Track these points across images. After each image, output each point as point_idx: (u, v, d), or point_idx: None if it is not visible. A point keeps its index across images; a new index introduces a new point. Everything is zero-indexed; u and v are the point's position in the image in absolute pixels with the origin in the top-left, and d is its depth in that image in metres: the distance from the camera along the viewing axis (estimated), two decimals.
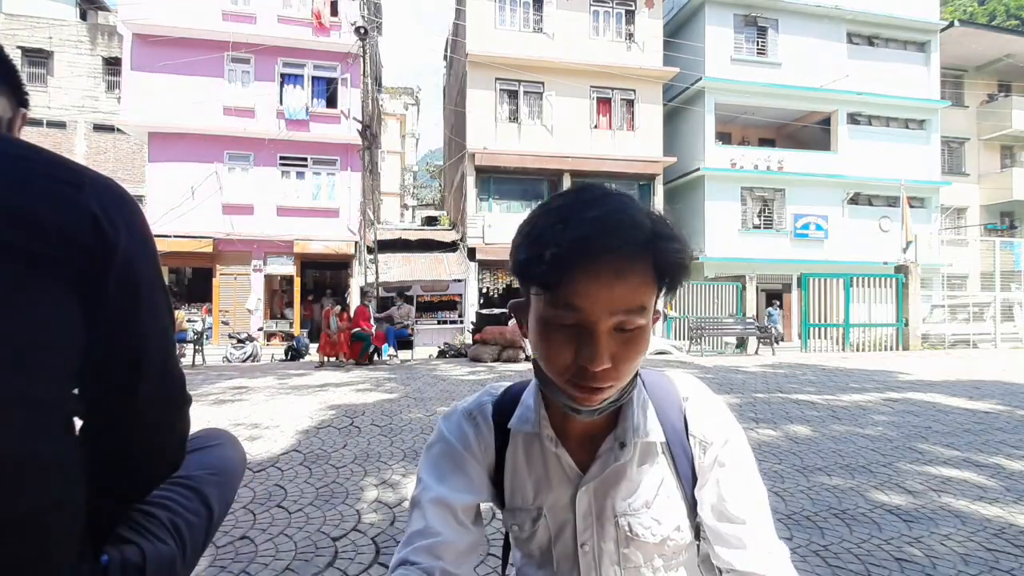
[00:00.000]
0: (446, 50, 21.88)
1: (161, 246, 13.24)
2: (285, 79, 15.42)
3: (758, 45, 17.91)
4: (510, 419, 0.72)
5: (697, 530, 0.72)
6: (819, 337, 11.64)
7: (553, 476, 0.70)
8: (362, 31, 13.69)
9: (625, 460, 0.68)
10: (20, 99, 0.77)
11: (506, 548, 0.85)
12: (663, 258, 0.56)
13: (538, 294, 0.57)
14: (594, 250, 0.53)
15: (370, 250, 14.56)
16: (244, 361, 10.76)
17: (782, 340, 13.69)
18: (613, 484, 0.68)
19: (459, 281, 16.15)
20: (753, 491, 0.65)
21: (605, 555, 0.69)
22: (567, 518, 0.70)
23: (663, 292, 0.60)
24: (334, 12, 15.45)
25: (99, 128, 18.06)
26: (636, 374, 0.66)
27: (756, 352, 11.23)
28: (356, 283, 15.27)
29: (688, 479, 0.69)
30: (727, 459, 0.66)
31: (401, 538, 0.65)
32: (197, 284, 15.74)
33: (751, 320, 11.96)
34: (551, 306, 0.56)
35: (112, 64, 17.81)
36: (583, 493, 0.69)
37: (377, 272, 14.23)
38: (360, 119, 14.28)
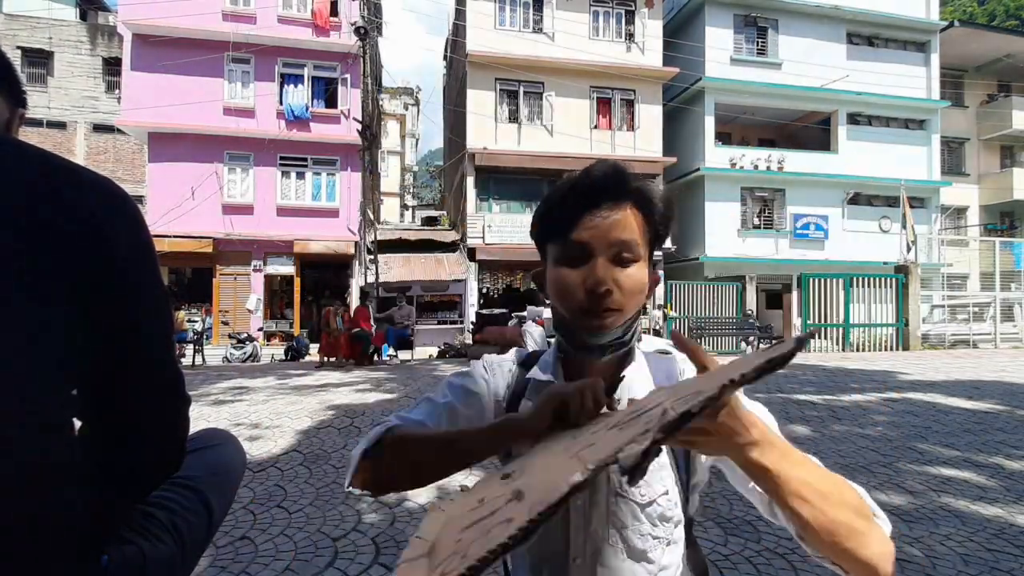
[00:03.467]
0: (446, 50, 21.87)
1: (161, 246, 13.29)
2: (285, 79, 15.42)
3: (758, 45, 17.91)
4: (529, 371, 0.81)
5: (689, 526, 0.74)
6: (819, 337, 11.63)
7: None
8: (362, 31, 13.69)
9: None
10: (18, 99, 0.77)
11: None
12: (646, 203, 0.70)
13: (552, 244, 0.73)
14: (591, 196, 0.69)
15: (370, 250, 14.56)
16: (244, 361, 10.76)
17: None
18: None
19: (459, 281, 16.14)
20: (768, 414, 0.66)
21: (595, 509, 0.71)
22: None
23: (653, 244, 0.73)
24: (334, 12, 15.45)
25: (99, 128, 18.05)
26: (638, 315, 0.74)
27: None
28: (356, 283, 15.27)
29: (681, 452, 0.73)
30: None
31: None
32: (197, 284, 15.73)
33: (751, 320, 11.96)
34: (561, 248, 0.71)
35: (112, 64, 17.81)
36: None
37: (377, 272, 14.23)
38: (360, 119, 14.28)
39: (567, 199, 0.70)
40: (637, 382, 0.74)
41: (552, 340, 0.84)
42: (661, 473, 0.71)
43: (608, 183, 0.69)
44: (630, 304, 0.69)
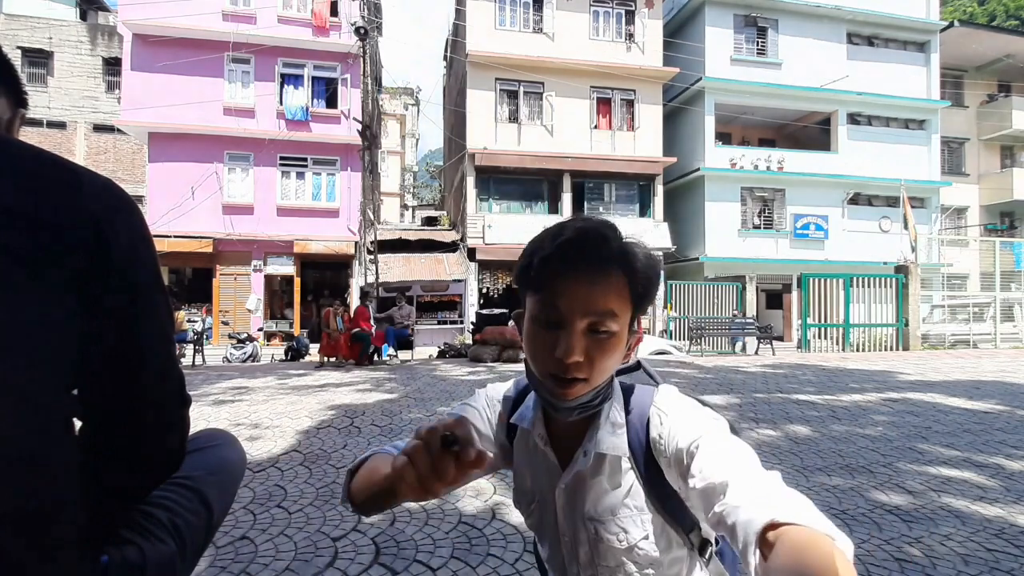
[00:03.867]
0: (446, 50, 21.87)
1: (161, 246, 13.28)
2: (285, 79, 15.42)
3: (758, 45, 17.91)
4: (514, 415, 0.82)
5: (703, 545, 0.75)
6: (819, 337, 11.63)
7: (540, 471, 0.79)
8: (362, 31, 13.69)
9: (584, 468, 0.73)
10: (19, 99, 0.77)
11: None
12: (630, 267, 0.67)
13: (530, 296, 0.69)
14: (570, 258, 0.66)
15: (370, 250, 14.56)
16: (244, 361, 10.75)
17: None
18: (580, 489, 0.75)
19: (459, 281, 16.14)
20: (735, 453, 0.60)
21: (580, 547, 0.76)
22: (551, 508, 0.79)
23: (636, 307, 0.69)
24: (334, 12, 15.45)
25: (99, 128, 18.05)
26: (611, 381, 0.74)
27: (756, 352, 11.23)
28: (356, 283, 15.27)
29: (663, 496, 0.71)
30: (699, 445, 0.64)
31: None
32: (197, 284, 15.74)
33: (751, 320, 11.96)
34: (538, 306, 0.68)
35: (112, 64, 17.82)
36: (560, 492, 0.76)
37: (377, 272, 14.23)
38: (360, 119, 14.28)
39: (547, 258, 0.66)
40: (606, 435, 0.73)
41: None
42: (641, 517, 0.72)
43: (590, 245, 0.66)
44: (599, 375, 0.67)
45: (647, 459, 0.72)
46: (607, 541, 0.72)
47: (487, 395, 0.86)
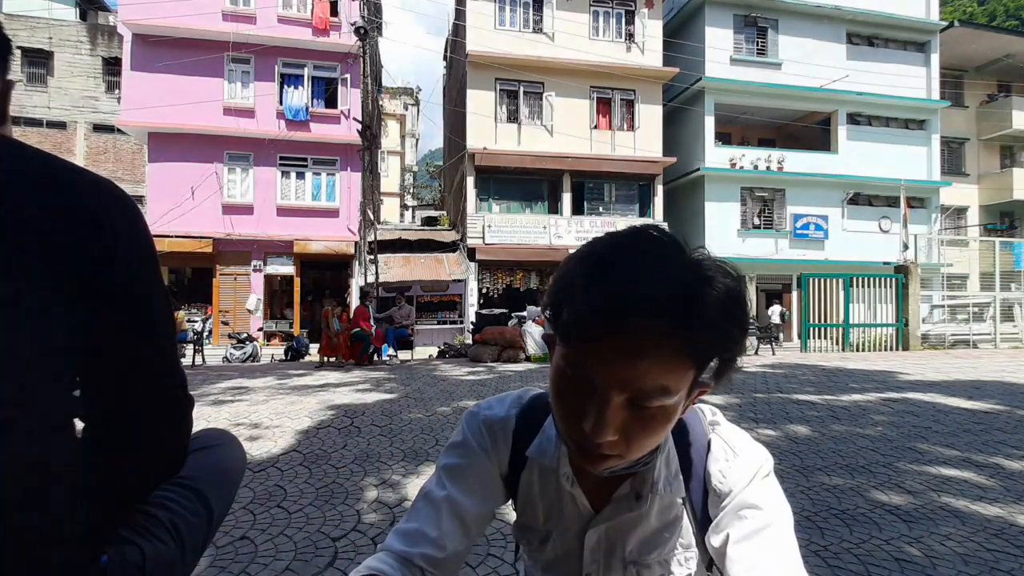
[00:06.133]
0: (446, 50, 21.87)
1: (161, 246, 13.28)
2: (285, 79, 15.42)
3: (758, 45, 17.92)
4: (531, 438, 0.68)
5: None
6: (819, 337, 11.63)
7: (566, 509, 0.68)
8: (362, 31, 13.69)
9: (641, 511, 0.64)
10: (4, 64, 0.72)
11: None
12: (697, 342, 0.48)
13: (560, 343, 0.54)
14: (613, 321, 0.46)
15: (370, 250, 14.56)
16: (244, 361, 10.76)
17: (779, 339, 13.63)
18: (625, 531, 0.66)
19: (459, 281, 16.14)
20: (772, 567, 0.53)
21: None
22: (574, 547, 0.68)
23: (701, 370, 0.52)
24: (334, 12, 15.45)
25: (99, 128, 18.04)
26: (656, 451, 0.61)
27: (756, 352, 11.23)
28: (356, 283, 15.27)
29: (706, 527, 0.64)
30: (741, 527, 0.56)
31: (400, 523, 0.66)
32: (197, 284, 15.74)
33: (751, 320, 11.95)
34: (568, 361, 0.52)
35: (112, 64, 17.80)
36: (593, 532, 0.66)
37: (377, 272, 14.23)
38: (360, 119, 14.28)
39: (580, 305, 0.48)
40: (660, 473, 0.64)
41: None
42: (686, 554, 0.66)
43: (640, 301, 0.46)
44: (637, 453, 0.54)
45: (704, 491, 0.63)
46: (643, 563, 0.66)
47: (484, 425, 0.70)
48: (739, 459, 0.62)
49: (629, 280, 0.47)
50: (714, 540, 0.59)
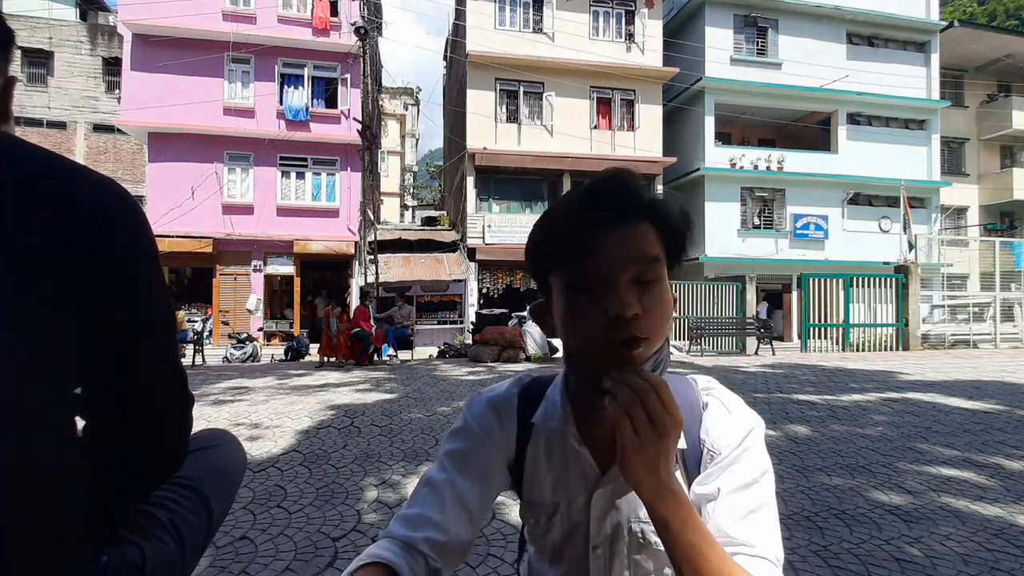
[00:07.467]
0: (446, 50, 21.87)
1: (161, 246, 13.10)
2: (285, 79, 15.42)
3: (758, 45, 17.92)
4: (534, 413, 0.72)
5: None
6: (819, 337, 11.63)
7: (572, 475, 0.70)
8: (362, 31, 13.69)
9: None
10: (6, 57, 0.72)
11: (521, 542, 0.85)
12: (662, 217, 0.62)
13: (557, 270, 0.63)
14: (602, 210, 0.59)
15: (370, 250, 14.56)
16: (244, 361, 10.75)
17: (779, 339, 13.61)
18: (629, 490, 0.67)
19: (459, 281, 16.15)
20: (757, 519, 0.59)
21: (616, 559, 0.68)
22: (581, 519, 0.70)
23: (671, 257, 0.64)
24: (334, 12, 15.45)
25: (99, 128, 18.04)
26: (666, 344, 0.65)
27: (756, 352, 11.23)
28: (356, 283, 15.28)
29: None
30: (731, 480, 0.62)
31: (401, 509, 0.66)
32: (197, 284, 15.74)
33: (751, 320, 11.95)
34: (573, 273, 0.60)
35: (112, 64, 17.80)
36: (599, 495, 0.68)
37: (377, 272, 14.23)
38: (360, 119, 14.28)
39: (574, 221, 0.60)
40: None
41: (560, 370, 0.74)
42: None
43: (620, 198, 0.60)
44: (658, 331, 0.60)
45: (699, 447, 0.66)
46: (653, 544, 0.66)
47: (479, 408, 0.74)
48: (732, 417, 0.67)
49: (604, 185, 0.62)
50: (700, 489, 0.64)
